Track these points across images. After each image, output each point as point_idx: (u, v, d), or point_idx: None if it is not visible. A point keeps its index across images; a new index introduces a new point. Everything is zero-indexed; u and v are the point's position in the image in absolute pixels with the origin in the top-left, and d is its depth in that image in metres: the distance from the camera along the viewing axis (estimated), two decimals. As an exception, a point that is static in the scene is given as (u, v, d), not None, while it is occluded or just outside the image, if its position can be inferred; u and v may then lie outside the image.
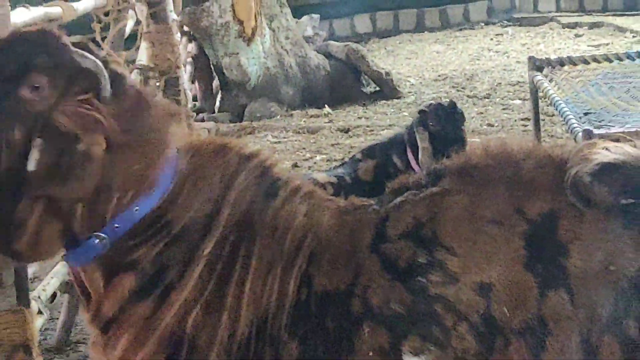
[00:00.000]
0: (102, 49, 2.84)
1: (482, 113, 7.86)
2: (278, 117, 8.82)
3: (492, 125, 7.46)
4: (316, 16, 10.31)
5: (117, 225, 1.95)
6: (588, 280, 1.88)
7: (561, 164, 1.96)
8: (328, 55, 9.65)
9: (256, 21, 9.23)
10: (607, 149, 1.93)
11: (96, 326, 2.00)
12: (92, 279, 2.00)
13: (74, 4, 3.88)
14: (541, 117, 6.73)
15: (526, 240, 1.92)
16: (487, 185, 1.98)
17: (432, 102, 5.34)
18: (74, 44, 1.98)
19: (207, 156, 2.07)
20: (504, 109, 7.94)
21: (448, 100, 5.28)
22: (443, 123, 4.84)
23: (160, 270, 1.96)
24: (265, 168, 2.08)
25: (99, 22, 4.51)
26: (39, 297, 3.13)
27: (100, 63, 1.96)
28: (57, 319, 4.38)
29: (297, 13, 10.26)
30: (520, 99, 8.01)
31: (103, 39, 4.29)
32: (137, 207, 1.96)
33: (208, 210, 2.00)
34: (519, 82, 8.50)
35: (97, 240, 1.94)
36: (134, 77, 3.67)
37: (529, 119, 6.68)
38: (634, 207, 1.91)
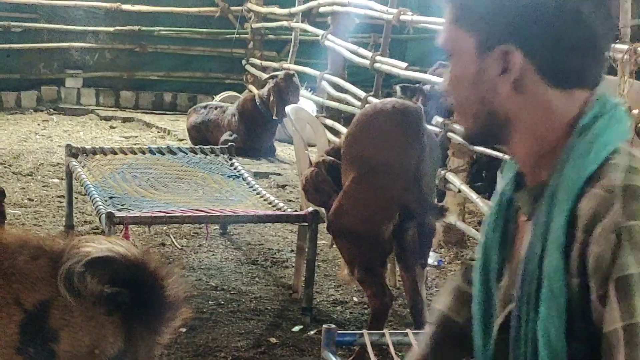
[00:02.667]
0: None
1: (24, 188, 7.60)
2: None
3: (32, 200, 7.24)
4: None
5: None
6: None
7: (53, 255, 1.92)
8: None
9: None
10: (98, 244, 1.92)
11: None
12: None
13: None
14: (75, 196, 6.64)
15: (21, 327, 1.85)
16: None
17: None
18: None
19: None
20: (44, 186, 7.75)
21: None
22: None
23: None
24: None
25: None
26: None
27: None
28: None
29: None
30: (59, 178, 7.86)
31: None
32: None
33: None
34: (58, 163, 8.34)
35: None
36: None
37: (64, 197, 6.55)
38: (117, 296, 1.91)
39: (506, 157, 5.94)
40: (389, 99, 4.86)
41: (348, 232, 4.39)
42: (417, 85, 6.94)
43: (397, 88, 7.26)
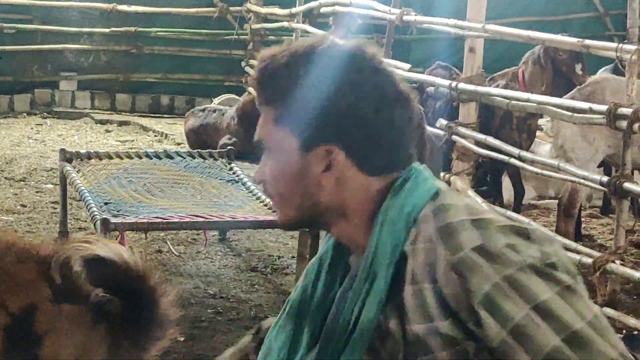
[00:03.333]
0: None
1: (17, 194, 7.60)
2: None
3: (25, 206, 7.23)
4: None
5: None
6: None
7: (41, 258, 1.91)
8: None
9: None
10: (103, 244, 1.92)
11: None
12: None
13: None
14: (69, 202, 6.63)
15: (6, 331, 1.85)
16: None
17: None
18: None
19: None
20: (37, 191, 7.74)
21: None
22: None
23: None
24: None
25: None
26: None
27: None
28: None
29: None
30: (52, 183, 7.85)
31: None
32: None
33: None
34: (52, 168, 8.34)
35: None
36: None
37: (58, 203, 6.55)
38: (105, 305, 1.90)
39: (512, 160, 5.96)
40: None
41: None
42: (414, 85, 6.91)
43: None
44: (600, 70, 8.09)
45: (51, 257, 1.88)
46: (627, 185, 4.90)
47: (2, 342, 1.82)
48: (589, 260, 4.96)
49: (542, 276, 1.50)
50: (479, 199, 6.08)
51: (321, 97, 1.60)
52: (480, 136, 6.30)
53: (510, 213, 6.14)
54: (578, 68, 6.78)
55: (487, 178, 7.27)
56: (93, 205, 5.20)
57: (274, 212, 5.33)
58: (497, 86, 6.73)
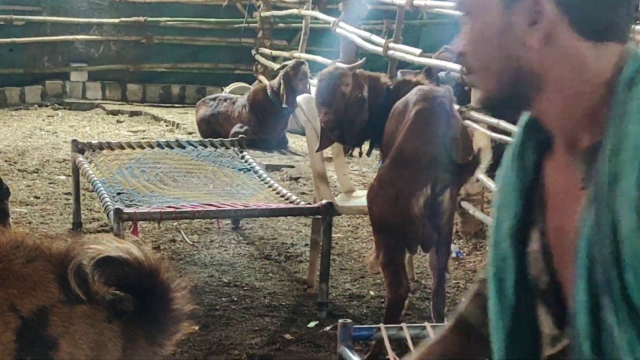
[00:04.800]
0: None
1: (30, 186, 7.64)
2: None
3: (39, 198, 7.28)
4: None
5: None
6: None
7: (52, 257, 1.90)
8: None
9: None
10: (111, 243, 1.92)
11: None
12: None
13: None
14: (82, 193, 6.68)
15: (18, 334, 1.84)
16: None
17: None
18: None
19: None
20: (50, 183, 7.78)
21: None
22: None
23: None
24: None
25: None
26: None
27: None
28: None
29: None
30: (65, 174, 7.89)
31: None
32: None
33: None
34: (65, 159, 8.38)
35: None
36: None
37: (71, 194, 6.59)
38: (119, 303, 1.90)
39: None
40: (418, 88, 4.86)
41: (378, 211, 4.45)
42: (422, 70, 6.90)
43: (399, 73, 7.30)
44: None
45: (63, 257, 1.87)
46: None
47: (14, 345, 1.81)
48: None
49: None
50: (492, 184, 6.09)
51: None
52: (493, 120, 6.30)
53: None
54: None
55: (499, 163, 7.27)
56: (106, 195, 5.25)
57: (287, 200, 5.37)
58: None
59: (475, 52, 1.48)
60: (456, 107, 6.41)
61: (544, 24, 1.41)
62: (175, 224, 6.48)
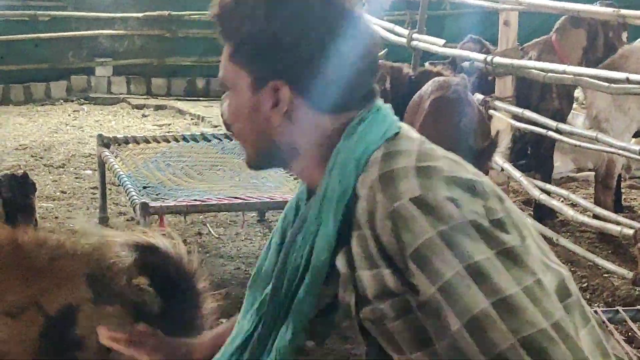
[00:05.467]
0: None
1: (56, 181, 7.71)
2: None
3: (65, 192, 7.34)
4: None
5: None
6: None
7: (76, 253, 1.90)
8: None
9: None
10: (157, 235, 1.92)
11: None
12: None
13: None
14: (108, 187, 6.73)
15: (42, 333, 1.85)
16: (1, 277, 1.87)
17: (6, 172, 5.20)
18: None
19: None
20: (76, 178, 7.85)
21: (22, 171, 5.13)
22: (14, 191, 4.72)
23: None
24: None
25: None
26: None
27: None
28: None
29: None
30: (91, 169, 7.95)
31: None
32: None
33: None
34: (90, 154, 8.44)
35: None
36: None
37: (97, 188, 6.64)
38: (147, 303, 1.90)
39: (550, 134, 5.93)
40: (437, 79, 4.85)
41: None
42: (446, 61, 6.87)
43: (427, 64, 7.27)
44: (638, 40, 8.00)
45: (91, 255, 1.86)
46: (668, 155, 4.88)
47: (38, 344, 1.79)
48: (630, 232, 4.95)
49: (482, 234, 1.46)
50: (517, 173, 6.08)
51: (267, 32, 1.59)
52: (517, 110, 6.28)
53: (549, 186, 6.13)
54: (624, 36, 6.72)
55: (527, 151, 7.24)
56: (132, 189, 5.28)
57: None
58: (530, 58, 6.68)
59: (235, 125, 1.68)
60: (480, 96, 6.40)
61: (282, 105, 1.61)
62: (201, 217, 6.52)
